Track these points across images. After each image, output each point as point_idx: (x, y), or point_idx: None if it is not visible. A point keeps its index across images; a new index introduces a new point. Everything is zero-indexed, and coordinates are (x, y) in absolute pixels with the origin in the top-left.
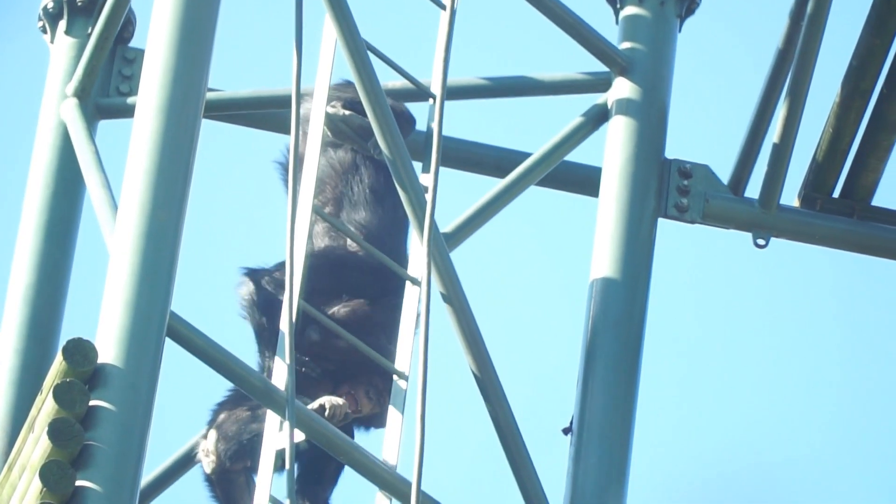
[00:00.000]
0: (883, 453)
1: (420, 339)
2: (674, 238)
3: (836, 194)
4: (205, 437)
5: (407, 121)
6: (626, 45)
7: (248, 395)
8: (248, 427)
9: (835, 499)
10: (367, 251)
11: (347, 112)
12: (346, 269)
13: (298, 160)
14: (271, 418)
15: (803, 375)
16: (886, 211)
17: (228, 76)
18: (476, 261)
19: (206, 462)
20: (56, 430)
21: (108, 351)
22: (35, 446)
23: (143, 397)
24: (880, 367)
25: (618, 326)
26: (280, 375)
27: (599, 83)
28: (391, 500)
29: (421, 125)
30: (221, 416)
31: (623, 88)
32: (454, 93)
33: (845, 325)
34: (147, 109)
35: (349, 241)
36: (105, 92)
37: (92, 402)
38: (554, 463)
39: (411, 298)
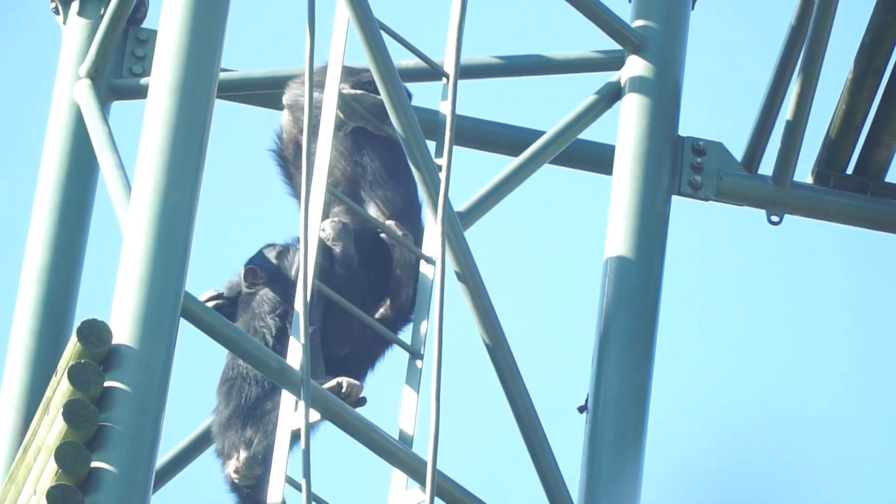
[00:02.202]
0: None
1: (434, 318)
2: (687, 215)
3: (849, 171)
4: (233, 458)
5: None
6: (639, 22)
7: (263, 375)
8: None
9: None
10: (383, 231)
11: (359, 91)
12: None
13: (305, 140)
14: (286, 398)
15: (816, 352)
16: None
17: (241, 56)
18: (490, 239)
19: (243, 479)
20: (71, 412)
21: (123, 332)
22: (50, 428)
23: (157, 378)
24: (893, 343)
25: (632, 304)
26: (294, 355)
27: (612, 61)
28: (407, 479)
29: (434, 104)
30: (248, 433)
31: (636, 66)
32: (467, 72)
33: (859, 302)
34: (160, 90)
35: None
36: (118, 73)
37: (107, 383)
38: (570, 441)
39: (426, 277)
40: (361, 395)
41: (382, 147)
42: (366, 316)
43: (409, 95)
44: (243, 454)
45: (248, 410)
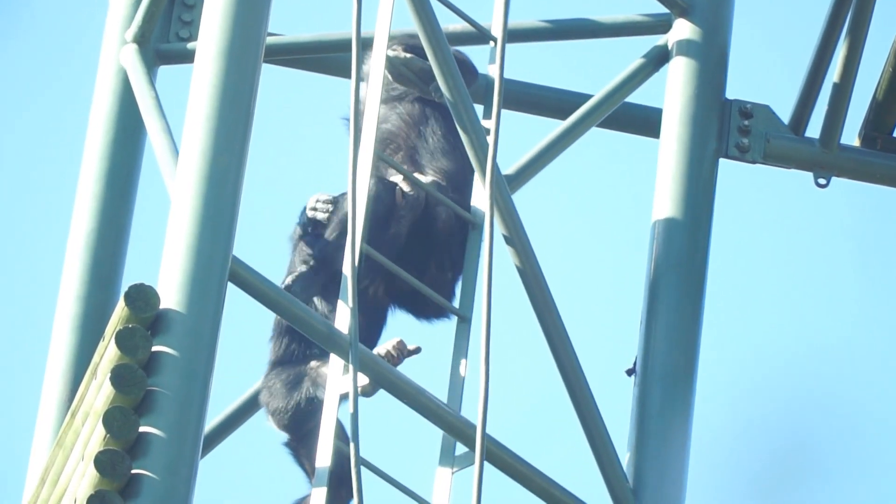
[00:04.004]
0: None
1: (483, 281)
2: (735, 178)
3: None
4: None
5: (469, 71)
6: None
7: (309, 339)
8: (296, 395)
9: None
10: (431, 195)
11: (409, 55)
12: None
13: (352, 106)
14: (334, 362)
15: (864, 313)
16: None
17: (289, 20)
18: (538, 203)
19: (282, 435)
20: (119, 376)
21: (170, 296)
22: (98, 392)
23: (205, 342)
24: None
25: (680, 267)
26: (343, 319)
27: (660, 25)
28: (456, 442)
29: (482, 68)
30: (268, 399)
31: (683, 30)
32: (515, 36)
33: None
34: (207, 55)
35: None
36: (165, 38)
37: (154, 348)
38: (618, 404)
39: (473, 241)
40: (410, 348)
41: (445, 118)
42: (413, 279)
43: (476, 71)
44: (270, 419)
45: (287, 363)
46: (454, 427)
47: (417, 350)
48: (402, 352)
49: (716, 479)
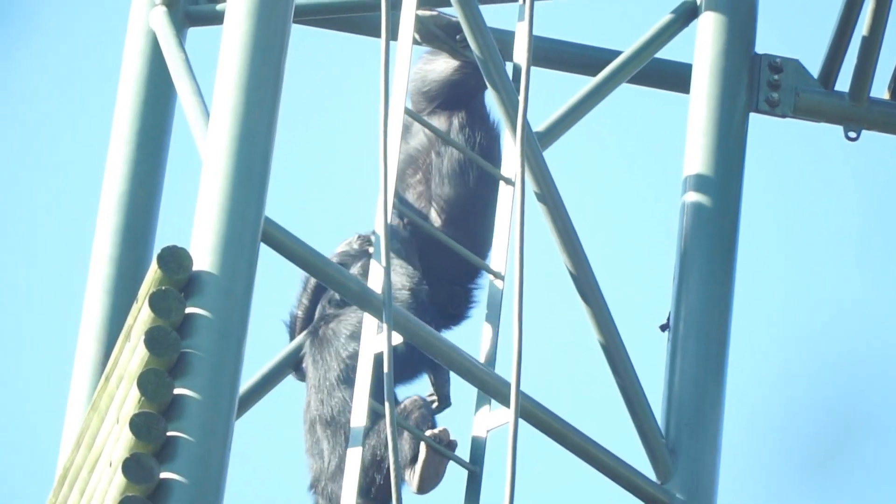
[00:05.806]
0: None
1: (515, 239)
2: (765, 132)
3: None
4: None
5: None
6: None
7: (345, 298)
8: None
9: None
10: (462, 152)
11: (435, 12)
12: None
13: (383, 62)
14: (368, 321)
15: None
16: None
17: None
18: (569, 159)
19: None
20: (153, 339)
21: (203, 258)
22: (132, 355)
23: (239, 304)
24: None
25: (712, 222)
26: (376, 278)
27: None
28: (491, 400)
29: (511, 25)
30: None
31: None
32: None
33: None
34: (237, 16)
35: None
36: None
37: (188, 310)
38: (652, 360)
39: (505, 198)
40: (453, 438)
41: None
42: (447, 238)
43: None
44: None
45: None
46: (489, 385)
47: (454, 444)
48: (442, 439)
49: (750, 433)
